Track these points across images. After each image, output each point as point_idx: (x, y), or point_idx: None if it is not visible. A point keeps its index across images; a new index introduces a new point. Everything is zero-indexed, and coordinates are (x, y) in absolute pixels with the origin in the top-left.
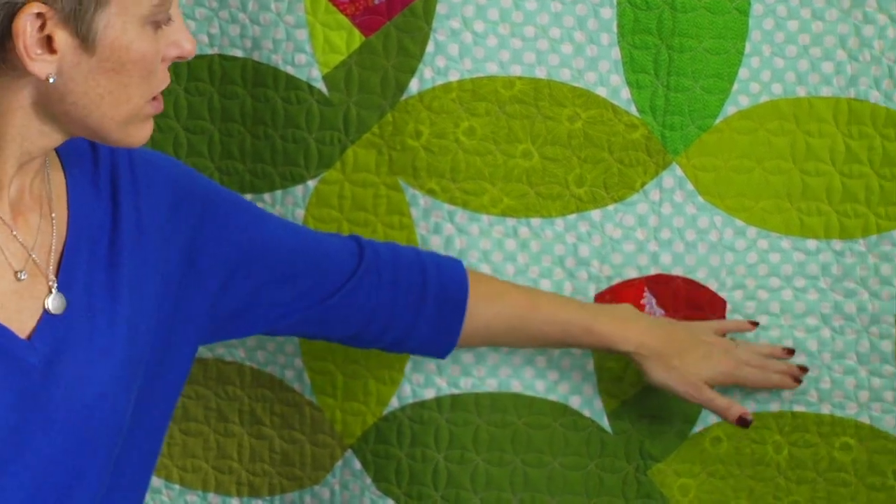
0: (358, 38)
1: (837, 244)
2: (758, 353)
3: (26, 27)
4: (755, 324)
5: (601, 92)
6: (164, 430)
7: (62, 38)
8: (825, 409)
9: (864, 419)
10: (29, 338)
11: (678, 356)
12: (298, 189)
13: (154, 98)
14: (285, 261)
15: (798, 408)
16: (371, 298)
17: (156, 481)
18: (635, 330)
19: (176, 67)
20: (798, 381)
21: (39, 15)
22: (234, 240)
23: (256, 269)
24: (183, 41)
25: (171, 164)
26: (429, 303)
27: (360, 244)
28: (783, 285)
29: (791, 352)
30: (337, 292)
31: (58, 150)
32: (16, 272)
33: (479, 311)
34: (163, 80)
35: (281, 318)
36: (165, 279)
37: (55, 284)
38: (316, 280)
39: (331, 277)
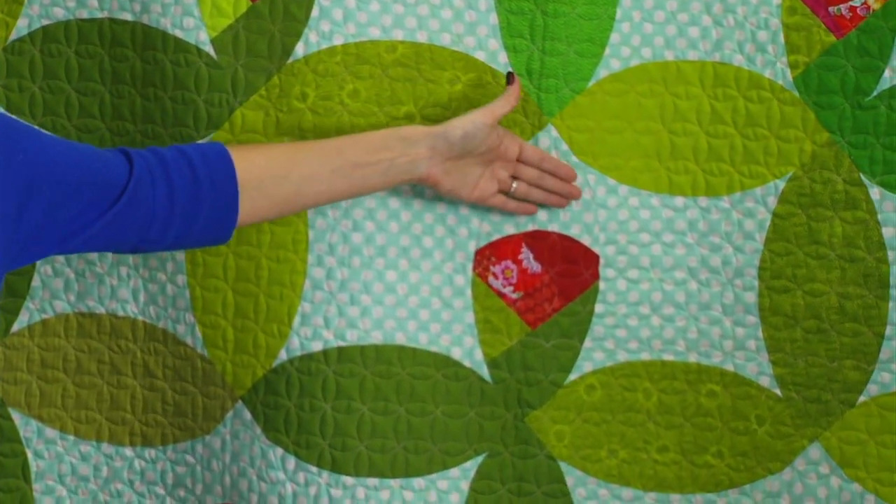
0: (245, 2)
1: (703, 201)
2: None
3: None
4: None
5: (480, 56)
6: None
7: None
8: (692, 358)
9: (729, 367)
10: None
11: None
12: None
13: None
14: (69, 177)
15: (667, 357)
16: (149, 203)
17: (50, 432)
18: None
19: (66, 30)
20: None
21: None
22: (19, 162)
23: (45, 187)
24: None
25: None
26: (202, 187)
27: (127, 154)
28: (653, 240)
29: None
30: (117, 202)
31: None
32: None
33: (246, 170)
34: None
35: (73, 234)
36: None
37: None
38: (97, 192)
39: (110, 188)
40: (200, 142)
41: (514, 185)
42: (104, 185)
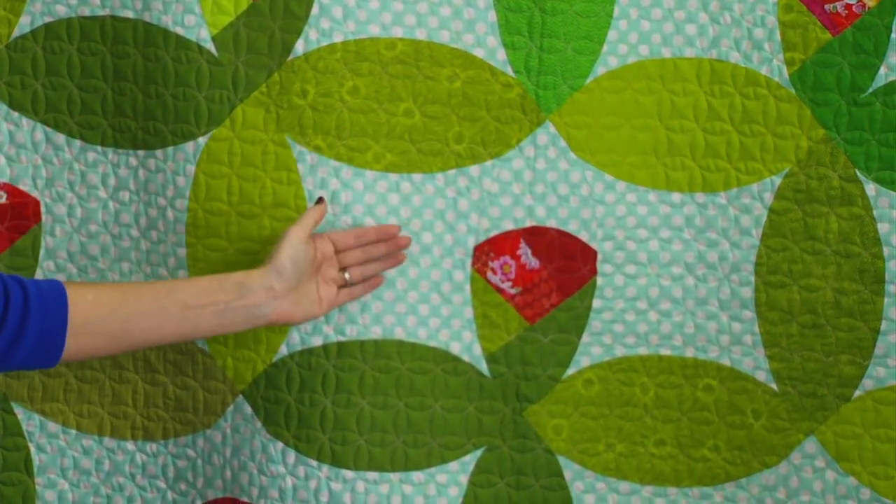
0: (245, 0)
1: (700, 197)
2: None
3: None
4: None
5: (478, 53)
6: None
7: None
8: (689, 353)
9: (725, 361)
10: None
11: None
12: (189, 146)
13: None
14: None
15: (664, 351)
16: None
17: (52, 426)
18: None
19: (69, 28)
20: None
21: None
22: None
23: None
24: None
25: None
26: (31, 316)
27: None
28: (650, 236)
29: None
30: None
31: None
32: None
33: (76, 304)
34: None
35: None
36: None
37: None
38: None
39: None
40: (40, 279)
41: (347, 275)
42: None
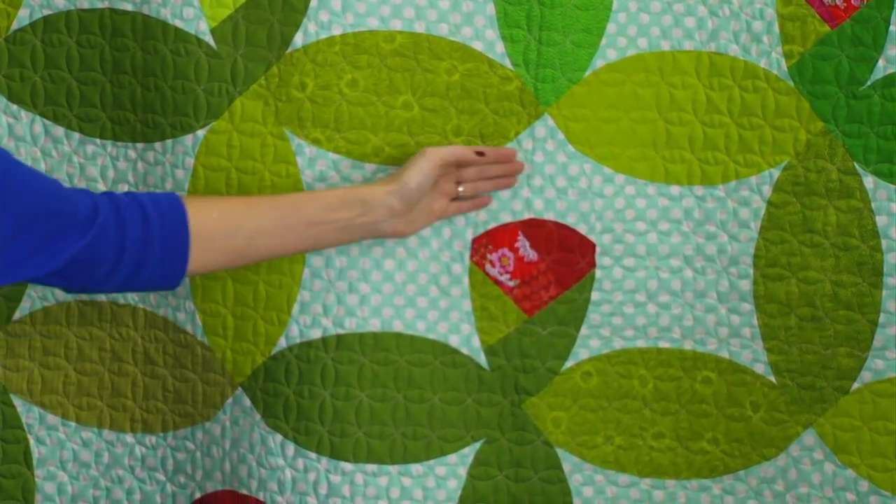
0: None
1: (699, 190)
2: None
3: None
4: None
5: (477, 46)
6: None
7: None
8: (688, 345)
9: (724, 354)
10: None
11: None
12: (188, 139)
13: None
14: (37, 201)
15: (663, 344)
16: (101, 246)
17: (51, 419)
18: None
19: (67, 21)
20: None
21: None
22: None
23: (12, 207)
24: None
25: None
26: (153, 236)
27: (90, 195)
28: (649, 229)
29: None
30: (81, 238)
31: None
32: None
33: (200, 223)
34: None
35: (38, 265)
36: None
37: None
38: (63, 224)
39: (75, 224)
40: (156, 192)
41: (460, 188)
42: (71, 219)
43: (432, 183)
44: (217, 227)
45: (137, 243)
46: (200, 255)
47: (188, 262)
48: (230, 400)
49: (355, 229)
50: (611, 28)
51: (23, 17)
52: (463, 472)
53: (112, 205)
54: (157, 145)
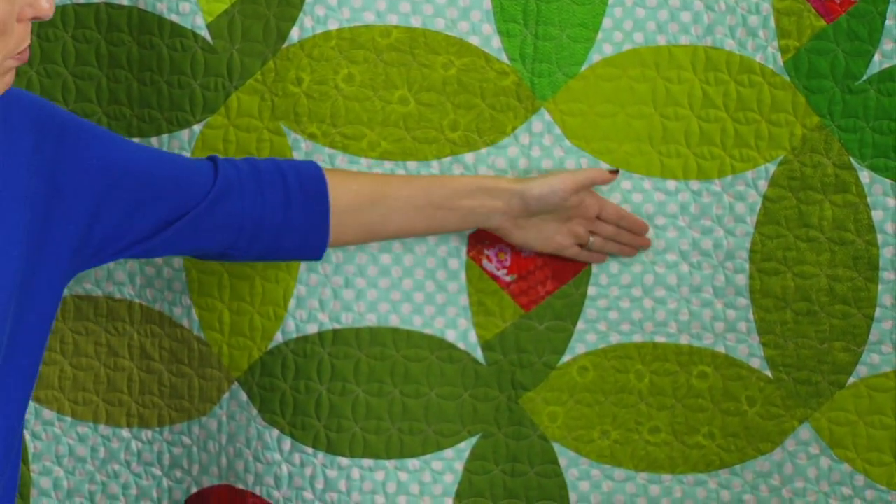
0: None
1: (695, 184)
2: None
3: None
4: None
5: (474, 40)
6: (39, 364)
7: None
8: (684, 340)
9: (720, 349)
10: None
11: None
12: (184, 133)
13: (19, 52)
14: (146, 184)
15: (659, 338)
16: (236, 211)
17: (47, 414)
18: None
19: (63, 15)
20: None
21: None
22: (94, 168)
23: (120, 194)
24: (40, 1)
25: (26, 95)
26: (293, 204)
27: (215, 161)
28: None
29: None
30: (196, 207)
31: None
32: None
33: (339, 194)
34: (21, 38)
35: (150, 236)
36: (33, 209)
37: None
38: (177, 200)
39: (192, 195)
40: (296, 160)
41: (592, 240)
42: (185, 190)
43: (558, 201)
44: (355, 201)
45: (278, 208)
46: (338, 228)
47: (329, 235)
48: (226, 395)
49: (475, 217)
50: (607, 23)
51: None
52: (459, 466)
53: (248, 172)
54: (154, 140)
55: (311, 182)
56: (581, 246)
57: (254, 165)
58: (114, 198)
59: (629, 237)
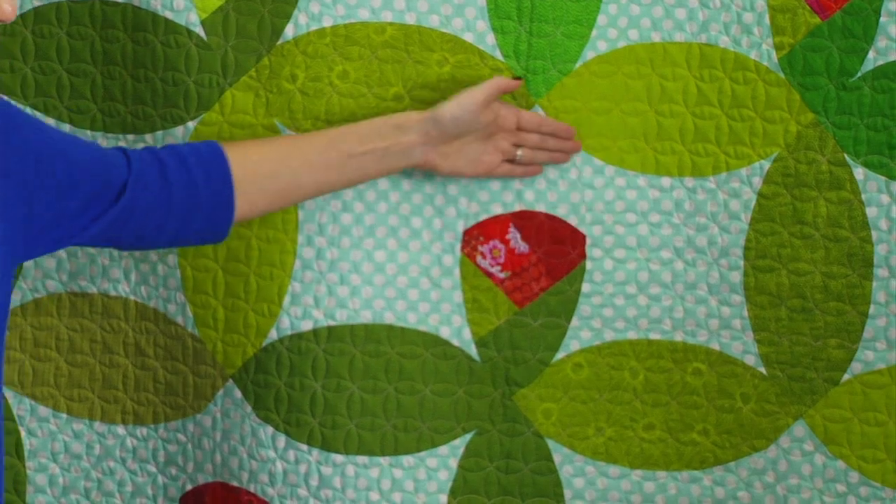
0: None
1: (690, 181)
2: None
3: None
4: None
5: (468, 37)
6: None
7: None
8: (678, 337)
9: (715, 346)
10: None
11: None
12: (179, 130)
13: None
14: (75, 166)
15: (653, 335)
16: (146, 201)
17: (43, 410)
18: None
19: (58, 12)
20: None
21: None
22: (19, 147)
23: (54, 173)
24: (2, 5)
25: None
26: (198, 185)
27: (125, 153)
28: (639, 220)
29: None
30: (119, 198)
31: None
32: None
33: (241, 166)
34: None
35: (80, 228)
36: None
37: None
38: (101, 187)
39: (112, 185)
40: (194, 141)
41: (519, 152)
42: (107, 180)
43: (472, 117)
44: (258, 171)
45: (184, 189)
46: (245, 200)
47: (235, 207)
48: (221, 392)
49: (393, 157)
50: (601, 19)
51: None
52: (454, 463)
53: (151, 161)
54: (148, 137)
55: (211, 161)
56: (511, 162)
57: (154, 153)
58: (46, 180)
59: (556, 142)
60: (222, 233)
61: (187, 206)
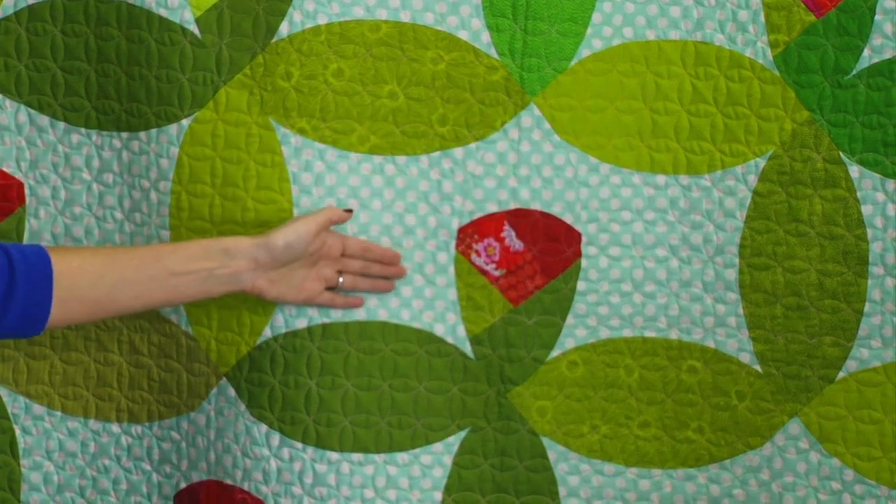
0: None
1: (685, 179)
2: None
3: None
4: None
5: (463, 35)
6: None
7: None
8: (673, 335)
9: (710, 343)
10: None
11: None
12: (173, 128)
13: None
14: None
15: (648, 333)
16: None
17: (37, 409)
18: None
19: (52, 10)
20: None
21: None
22: None
23: None
24: None
25: None
26: (18, 287)
27: None
28: (634, 218)
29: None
30: None
31: None
32: None
33: (62, 269)
34: None
35: None
36: None
37: None
38: None
39: None
40: (25, 245)
41: (341, 279)
42: None
43: (304, 246)
44: (79, 276)
45: (2, 283)
46: (62, 304)
47: (51, 308)
48: (215, 390)
49: (216, 280)
50: (596, 17)
51: (7, 5)
52: (448, 460)
53: None
54: (142, 135)
55: (33, 258)
56: (332, 289)
57: None
58: None
59: (380, 268)
60: (35, 332)
61: (4, 299)
